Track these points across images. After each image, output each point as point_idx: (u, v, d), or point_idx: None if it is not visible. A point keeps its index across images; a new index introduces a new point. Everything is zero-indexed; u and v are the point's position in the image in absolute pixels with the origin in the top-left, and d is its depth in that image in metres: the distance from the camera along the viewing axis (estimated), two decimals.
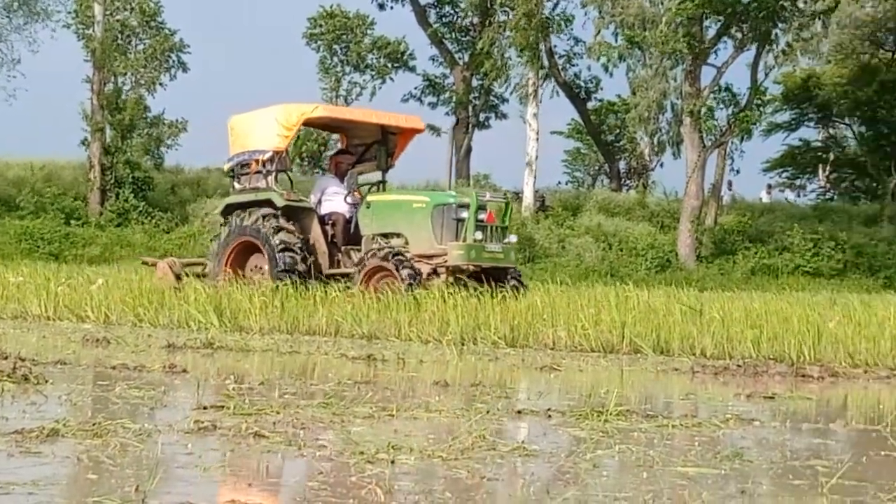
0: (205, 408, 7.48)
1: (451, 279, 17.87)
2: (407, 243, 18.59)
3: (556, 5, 47.67)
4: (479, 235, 18.23)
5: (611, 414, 7.77)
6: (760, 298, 19.31)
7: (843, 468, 6.03)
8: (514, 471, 5.84)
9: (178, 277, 19.51)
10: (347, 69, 58.06)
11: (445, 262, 18.20)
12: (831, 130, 63.57)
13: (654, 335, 14.01)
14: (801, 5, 46.64)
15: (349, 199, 19.72)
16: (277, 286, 17.68)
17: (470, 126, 51.02)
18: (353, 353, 12.52)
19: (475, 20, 49.91)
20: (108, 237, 41.04)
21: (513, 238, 19.14)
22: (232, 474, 5.43)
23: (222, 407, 7.49)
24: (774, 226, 47.50)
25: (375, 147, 20.89)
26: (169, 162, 51.28)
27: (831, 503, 5.30)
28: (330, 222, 19.69)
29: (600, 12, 60.20)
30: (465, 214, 18.31)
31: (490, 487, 5.40)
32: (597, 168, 70.59)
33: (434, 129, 53.99)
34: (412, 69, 56.89)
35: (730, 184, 54.43)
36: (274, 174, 19.73)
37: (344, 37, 57.59)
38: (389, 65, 57.40)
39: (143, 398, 8.08)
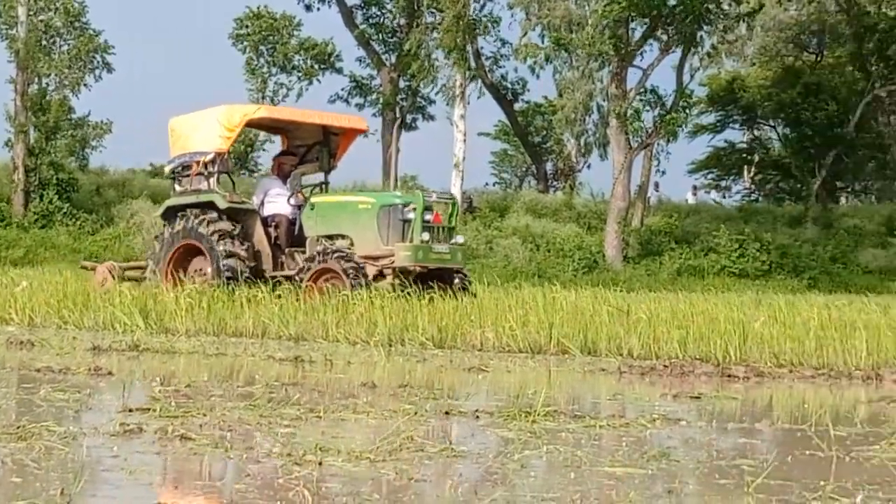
0: (130, 410, 7.44)
1: (396, 280, 17.76)
2: (352, 244, 18.42)
3: (482, 7, 47.74)
4: (426, 236, 18.13)
5: (538, 414, 7.79)
6: (687, 299, 19.40)
7: (769, 467, 6.07)
8: (443, 472, 5.84)
9: (120, 281, 19.29)
10: (274, 70, 57.85)
11: (392, 263, 18.07)
12: (756, 132, 64.04)
13: (582, 336, 14.04)
14: (725, 8, 46.95)
15: (292, 201, 19.51)
16: (220, 282, 17.80)
17: (397, 127, 50.99)
18: (280, 355, 12.48)
19: (402, 22, 49.89)
20: (31, 239, 40.69)
21: (460, 239, 19.13)
22: (158, 477, 5.40)
23: (148, 409, 7.45)
24: (700, 227, 47.81)
25: (317, 148, 20.69)
26: (94, 163, 50.97)
27: (757, 502, 5.33)
28: (273, 224, 19.44)
29: (527, 14, 60.32)
30: (411, 215, 18.17)
31: (418, 489, 5.40)
32: (524, 169, 70.77)
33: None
34: (339, 70, 56.75)
35: (656, 185, 54.77)
36: (216, 176, 19.52)
37: (270, 38, 57.39)
38: (316, 66, 57.21)
39: (68, 401, 8.02)
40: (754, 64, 63.62)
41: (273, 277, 18.59)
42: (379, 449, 6.24)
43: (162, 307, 16.25)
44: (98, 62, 52.07)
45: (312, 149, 20.77)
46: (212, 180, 19.46)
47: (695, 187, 62.38)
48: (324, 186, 20.63)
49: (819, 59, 61.26)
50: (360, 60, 53.92)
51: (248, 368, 11.29)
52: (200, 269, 19.15)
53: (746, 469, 6.14)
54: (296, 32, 57.66)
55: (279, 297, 17.04)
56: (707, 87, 61.28)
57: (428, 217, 18.19)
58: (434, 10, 46.09)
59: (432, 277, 18.14)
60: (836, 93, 55.88)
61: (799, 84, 56.42)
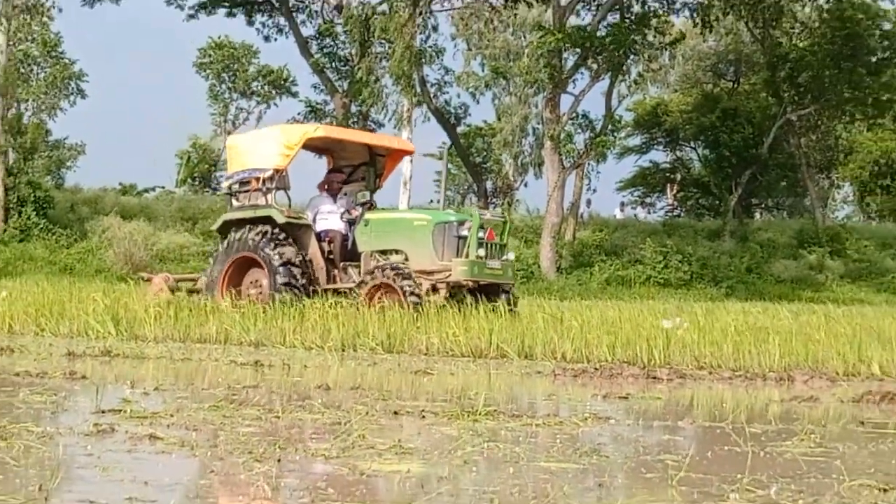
0: (103, 412, 7.40)
1: (447, 294, 17.51)
2: (407, 259, 18.08)
3: (428, 38, 47.79)
4: (481, 252, 17.82)
5: (480, 414, 7.79)
6: (615, 307, 19.49)
7: (691, 462, 6.10)
8: (392, 468, 5.84)
9: (172, 292, 19.01)
10: (235, 95, 57.80)
11: (446, 277, 17.72)
12: (678, 153, 64.41)
13: (519, 341, 14.06)
14: (650, 39, 47.22)
15: (345, 217, 19.11)
16: (275, 298, 17.40)
17: None
18: (241, 360, 12.43)
19: (353, 51, 49.86)
20: (11, 252, 40.46)
21: (511, 255, 18.80)
22: (130, 473, 5.37)
23: (120, 411, 7.41)
24: (627, 240, 48.01)
25: (363, 168, 20.30)
26: (68, 182, 50.77)
27: (680, 494, 5.35)
28: (326, 239, 19.08)
29: (469, 45, 60.54)
30: (465, 232, 17.83)
31: (369, 483, 5.39)
32: (466, 187, 70.83)
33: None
34: (295, 95, 56.83)
35: (588, 202, 54.93)
36: (274, 192, 19.14)
37: (231, 66, 57.30)
38: (274, 91, 57.22)
39: (46, 403, 7.96)
40: (676, 90, 64.09)
41: (327, 290, 18.22)
42: (333, 446, 6.23)
43: (132, 315, 16.17)
44: (73, 88, 51.84)
45: (358, 168, 20.36)
46: (269, 196, 19.08)
47: (622, 204, 62.64)
48: (370, 205, 19.74)
49: (736, 85, 61.70)
50: (315, 87, 54.02)
51: (211, 372, 11.24)
52: (256, 281, 18.73)
53: (670, 463, 6.16)
54: (255, 61, 57.74)
55: (240, 307, 16.96)
56: (633, 111, 61.65)
57: (481, 234, 17.88)
58: (383, 41, 46.11)
59: (481, 292, 17.84)
60: (752, 117, 56.27)
61: (717, 109, 56.81)
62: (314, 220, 19.24)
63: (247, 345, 14.95)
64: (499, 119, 62.28)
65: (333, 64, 52.48)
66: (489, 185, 60.24)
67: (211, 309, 16.61)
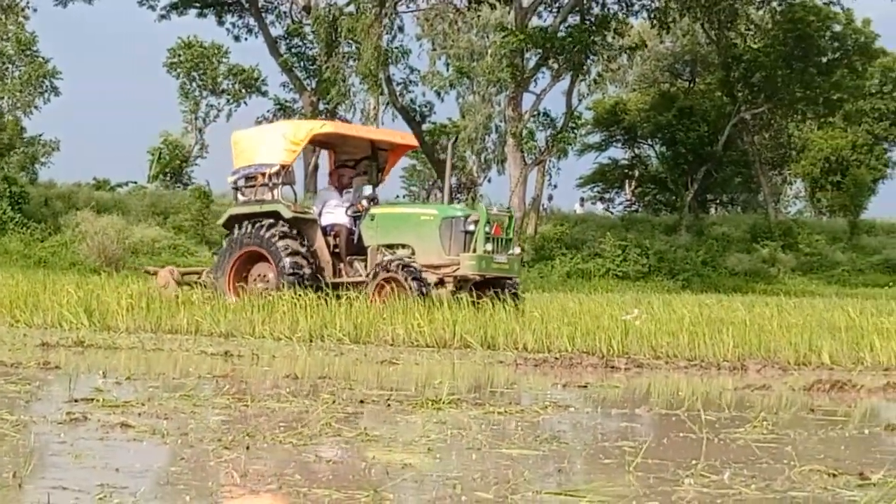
0: (76, 401, 7.35)
1: (454, 288, 17.33)
2: (413, 254, 17.85)
3: (394, 38, 47.76)
4: (489, 247, 17.57)
5: (443, 402, 7.79)
6: (575, 299, 19.52)
7: (647, 448, 6.11)
8: (358, 454, 5.83)
9: (179, 285, 18.74)
10: (205, 94, 57.65)
11: (453, 272, 17.51)
12: (636, 150, 64.58)
13: (482, 332, 14.06)
14: (609, 40, 47.34)
15: (350, 212, 18.82)
16: (283, 289, 17.17)
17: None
18: (211, 350, 12.38)
19: (321, 51, 49.76)
20: None
21: (517, 249, 18.58)
22: (102, 461, 5.34)
23: (92, 400, 7.37)
24: (587, 234, 48.10)
25: (366, 162, 19.94)
26: (43, 177, 50.51)
27: (637, 479, 5.36)
28: (332, 233, 18.76)
29: (434, 45, 60.54)
30: (472, 227, 17.60)
31: (335, 469, 5.38)
32: (430, 183, 70.82)
33: None
34: (264, 94, 56.71)
35: (549, 197, 55.02)
36: (280, 187, 18.84)
37: (201, 65, 57.13)
38: (244, 90, 57.08)
39: (20, 392, 7.91)
40: (634, 90, 64.30)
41: (333, 284, 17.99)
42: (300, 434, 6.21)
43: (105, 307, 16.09)
44: (47, 86, 51.56)
45: (360, 163, 19.99)
46: (276, 191, 18.75)
47: (582, 199, 62.82)
48: (374, 200, 19.38)
49: (692, 85, 61.91)
50: (284, 85, 53.96)
51: (182, 362, 11.20)
52: (262, 275, 18.47)
53: (627, 450, 6.17)
54: (224, 60, 57.62)
55: (210, 298, 16.90)
56: (593, 110, 61.79)
57: (488, 229, 17.64)
58: (350, 41, 46.05)
59: (487, 285, 17.73)
60: (707, 115, 56.46)
61: (674, 108, 56.99)
62: (320, 214, 18.99)
63: (217, 335, 14.87)
64: (463, 117, 62.30)
65: (302, 63, 52.42)
66: (453, 180, 60.24)
67: (182, 300, 16.54)
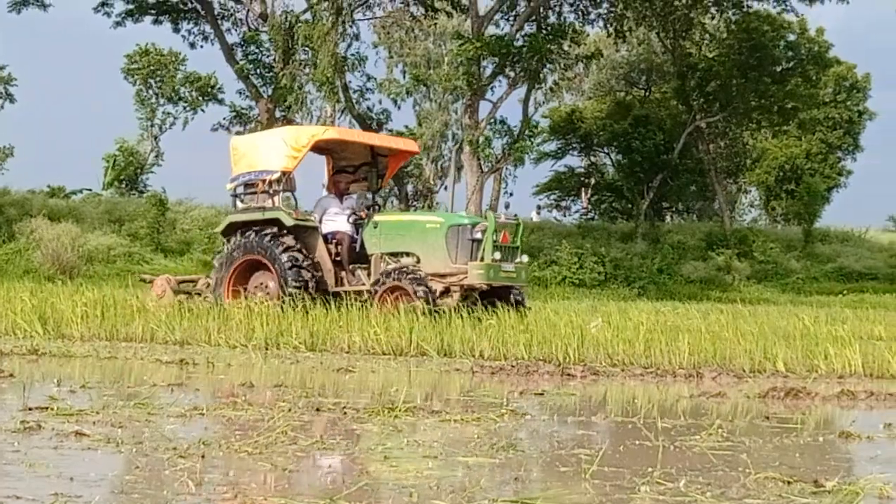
0: (30, 409, 7.30)
1: (460, 298, 17.04)
2: (418, 262, 17.52)
3: (350, 46, 47.75)
4: (497, 256, 17.25)
5: (400, 410, 7.78)
6: (531, 306, 19.49)
7: (603, 456, 6.12)
8: (314, 463, 5.81)
9: (175, 294, 18.40)
10: (162, 101, 57.42)
11: (460, 281, 17.20)
12: (592, 158, 64.69)
13: (439, 339, 14.06)
14: (566, 48, 47.48)
15: (351, 219, 18.47)
16: (286, 301, 16.74)
17: None
18: (166, 358, 12.32)
19: (278, 58, 49.67)
20: None
21: (524, 258, 18.13)
22: (56, 469, 5.31)
23: (47, 408, 7.32)
24: (544, 242, 48.14)
25: (365, 168, 19.52)
26: None
27: (593, 487, 5.37)
28: (334, 241, 18.37)
29: (390, 53, 60.55)
30: (479, 235, 17.31)
31: (292, 478, 5.36)
32: (387, 191, 70.79)
33: None
34: (221, 101, 56.48)
35: (506, 205, 55.07)
36: (280, 194, 18.46)
37: (158, 72, 56.94)
38: (200, 97, 56.90)
39: None
40: (591, 98, 64.50)
41: (336, 293, 17.67)
42: (256, 442, 6.19)
43: (59, 315, 15.97)
44: (1, 93, 51.24)
45: (359, 168, 19.62)
46: (276, 198, 18.34)
47: (539, 207, 62.88)
48: (374, 206, 19.20)
49: (647, 94, 62.13)
50: (240, 93, 53.69)
51: (137, 370, 11.14)
52: (262, 284, 18.06)
53: (584, 457, 6.18)
54: (181, 67, 57.33)
55: (166, 306, 16.80)
56: (549, 118, 61.91)
57: (496, 237, 17.34)
58: (307, 49, 45.99)
59: (493, 294, 17.37)
60: (662, 124, 56.66)
61: (630, 116, 57.17)
62: (321, 222, 18.59)
63: (172, 343, 14.79)
64: (419, 124, 62.35)
65: (258, 70, 52.24)
66: (410, 188, 60.23)
67: (137, 308, 16.45)
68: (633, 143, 55.91)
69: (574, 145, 62.68)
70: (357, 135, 21.35)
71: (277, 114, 50.71)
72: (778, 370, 12.44)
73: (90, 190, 50.38)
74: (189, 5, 52.94)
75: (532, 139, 54.62)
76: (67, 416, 7.05)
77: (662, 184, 56.41)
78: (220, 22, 52.47)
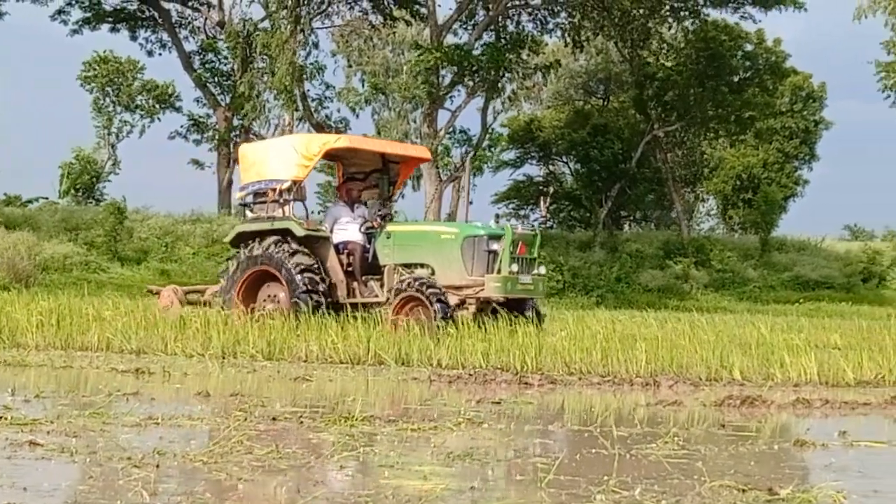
0: None
1: (477, 310, 16.64)
2: (433, 273, 17.00)
3: (309, 54, 47.70)
4: (514, 268, 16.70)
5: (356, 419, 7.77)
6: (489, 315, 19.43)
7: (560, 464, 6.13)
8: (269, 472, 5.79)
9: (182, 305, 18.03)
10: (119, 109, 57.19)
11: (476, 293, 16.73)
12: (551, 167, 64.85)
13: (396, 348, 14.03)
14: (524, 57, 47.62)
15: (363, 229, 17.91)
16: (297, 311, 16.43)
17: (231, 161, 50.65)
18: (122, 367, 12.26)
19: (235, 66, 49.58)
20: None
21: (542, 269, 17.63)
22: (9, 479, 5.27)
23: (1, 418, 7.28)
24: None
25: (376, 175, 18.94)
26: None
27: (549, 496, 5.38)
28: (346, 251, 17.83)
29: (349, 61, 60.49)
30: (495, 246, 16.84)
31: (247, 489, 5.35)
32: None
33: (199, 164, 53.56)
34: (178, 109, 56.31)
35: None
36: (291, 203, 17.98)
37: (116, 80, 56.70)
38: (158, 105, 56.71)
39: None
40: (549, 107, 64.62)
41: (347, 305, 17.24)
42: (212, 452, 6.17)
43: (14, 324, 15.86)
44: None
45: (370, 175, 19.02)
46: (287, 208, 17.85)
47: (497, 216, 62.84)
48: (388, 216, 18.35)
49: (605, 103, 62.33)
50: (198, 101, 53.57)
51: (92, 380, 11.07)
52: (273, 296, 17.56)
53: (540, 466, 6.19)
54: (139, 75, 57.12)
55: (124, 314, 16.71)
56: (508, 127, 62.02)
57: (513, 249, 16.86)
58: (265, 57, 45.92)
59: (509, 306, 16.87)
60: (621, 133, 56.86)
61: (588, 125, 57.35)
62: (332, 231, 18.09)
63: (128, 352, 14.70)
64: (378, 133, 62.28)
65: (216, 78, 52.17)
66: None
67: (93, 317, 16.35)
68: (591, 152, 56.07)
69: (532, 154, 62.83)
70: (368, 142, 20.98)
71: (235, 122, 50.63)
72: (734, 378, 12.49)
73: (46, 198, 50.08)
74: (146, 13, 52.80)
75: (491, 148, 54.65)
76: (21, 425, 7.01)
77: (620, 193, 56.62)
78: (177, 30, 52.35)
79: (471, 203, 59.50)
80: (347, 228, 18.06)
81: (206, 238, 41.67)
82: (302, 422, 7.83)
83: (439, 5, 47.27)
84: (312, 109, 47.91)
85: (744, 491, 5.53)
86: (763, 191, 59.37)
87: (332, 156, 19.01)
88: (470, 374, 12.33)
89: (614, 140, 56.26)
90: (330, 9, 48.76)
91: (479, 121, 48.86)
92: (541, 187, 64.76)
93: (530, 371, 12.74)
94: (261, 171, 18.29)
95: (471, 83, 46.77)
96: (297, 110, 45.46)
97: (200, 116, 53.86)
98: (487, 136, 50.08)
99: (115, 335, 15.13)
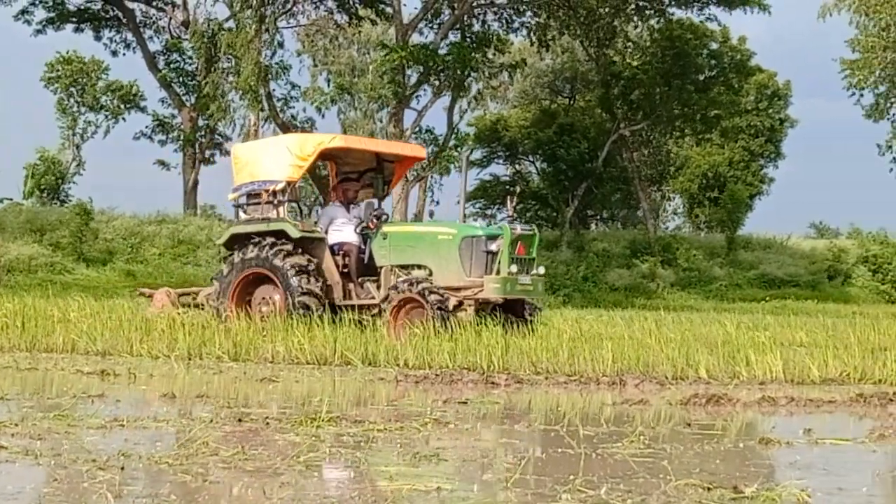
0: None
1: (475, 311, 16.31)
2: (431, 275, 16.65)
3: (274, 54, 47.60)
4: (514, 268, 16.36)
5: (323, 420, 7.77)
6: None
7: (526, 464, 6.14)
8: (235, 474, 5.79)
9: (175, 307, 17.65)
10: (83, 110, 56.92)
11: (475, 294, 16.37)
12: (517, 167, 64.95)
13: (363, 348, 14.01)
14: (490, 57, 47.66)
15: (359, 230, 17.58)
16: (293, 314, 16.13)
17: (196, 162, 50.50)
18: (87, 369, 12.22)
19: (200, 66, 49.43)
20: None
21: (541, 270, 17.29)
22: None
23: None
24: None
25: (370, 174, 18.70)
26: None
27: (516, 496, 5.39)
28: (341, 253, 17.49)
29: (314, 61, 60.41)
30: (493, 247, 16.50)
31: (213, 490, 5.34)
32: (313, 199, 70.53)
33: (164, 164, 53.37)
34: (143, 110, 56.05)
35: (431, 213, 55.05)
36: (285, 204, 17.75)
37: (80, 80, 56.45)
38: (122, 106, 56.47)
39: None
40: (515, 107, 64.71)
41: (344, 307, 16.94)
42: (177, 454, 6.16)
43: None
44: None
45: (364, 175, 18.75)
46: (281, 209, 17.57)
47: (464, 216, 62.91)
48: (384, 216, 18.02)
49: (572, 102, 62.44)
50: (163, 101, 53.36)
51: (58, 382, 11.04)
52: (267, 298, 17.20)
53: (507, 466, 6.20)
54: (103, 75, 56.86)
55: (89, 316, 16.64)
56: (474, 126, 62.03)
57: (512, 249, 16.54)
58: (230, 56, 45.81)
59: (506, 308, 16.72)
60: (587, 132, 56.95)
61: (554, 124, 57.42)
62: (326, 232, 17.75)
63: (93, 354, 14.64)
64: (344, 133, 62.25)
65: (181, 79, 51.99)
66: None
67: (58, 319, 16.28)
68: (557, 151, 56.15)
69: (499, 154, 62.89)
70: (363, 142, 20.66)
71: (200, 122, 50.50)
72: (700, 377, 12.53)
73: (11, 199, 49.82)
74: (111, 13, 52.58)
75: (458, 148, 54.68)
76: None
77: (587, 192, 56.72)
78: (142, 30, 52.15)
79: (437, 203, 59.60)
80: (342, 229, 17.81)
81: (171, 239, 41.52)
82: (268, 423, 7.82)
83: (405, 4, 47.30)
84: (278, 109, 47.83)
85: (709, 489, 5.56)
86: (729, 189, 59.60)
87: (326, 155, 18.70)
88: (437, 375, 12.33)
89: (580, 139, 56.35)
90: (295, 8, 48.65)
91: (446, 120, 48.88)
92: (507, 187, 64.82)
93: (497, 371, 12.74)
94: (254, 172, 18.03)
95: (437, 83, 46.77)
96: (262, 110, 45.35)
97: (165, 117, 53.67)
98: (454, 135, 50.05)
99: (80, 337, 15.07)
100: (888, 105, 58.42)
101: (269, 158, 18.01)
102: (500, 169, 64.71)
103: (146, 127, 54.35)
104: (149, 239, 41.60)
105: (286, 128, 47.12)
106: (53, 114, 57.33)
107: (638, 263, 49.50)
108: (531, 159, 62.51)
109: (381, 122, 50.81)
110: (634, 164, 56.44)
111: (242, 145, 19.15)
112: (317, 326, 15.10)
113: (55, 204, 51.04)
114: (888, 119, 59.59)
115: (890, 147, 61.53)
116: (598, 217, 67.83)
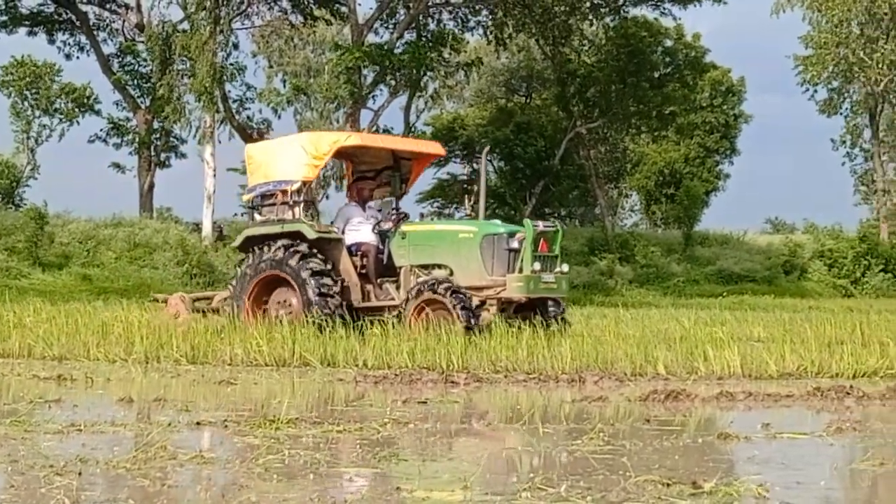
0: None
1: (498, 311, 16.08)
2: (452, 274, 16.35)
3: (229, 55, 47.46)
4: (537, 266, 16.04)
5: (282, 422, 7.75)
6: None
7: (486, 462, 6.14)
8: (194, 478, 5.76)
9: (190, 312, 17.45)
10: (38, 113, 56.65)
11: (497, 293, 16.10)
12: (474, 165, 65.02)
13: (322, 349, 13.98)
14: (446, 56, 47.70)
15: (377, 229, 17.29)
16: (311, 318, 15.76)
17: (152, 164, 50.31)
18: (44, 374, 12.14)
19: (155, 69, 49.22)
20: None
21: (565, 267, 16.80)
22: None
23: None
24: None
25: (387, 173, 18.31)
26: None
27: (475, 494, 5.38)
28: (359, 253, 17.22)
29: (270, 62, 60.29)
30: (515, 244, 16.16)
31: (171, 494, 5.32)
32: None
33: (119, 167, 53.12)
34: (98, 113, 55.87)
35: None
36: (301, 205, 17.33)
37: (34, 83, 56.17)
38: (77, 109, 56.24)
39: None
40: (472, 105, 64.85)
41: (363, 309, 16.72)
42: (135, 458, 6.13)
43: None
44: None
45: (380, 173, 18.39)
46: (297, 209, 17.19)
47: (422, 214, 62.83)
48: (403, 215, 17.61)
49: (528, 100, 62.61)
50: (118, 104, 53.13)
51: (14, 387, 10.96)
52: (285, 301, 16.87)
53: (466, 465, 6.19)
54: (57, 78, 56.63)
55: (46, 320, 16.54)
56: (431, 125, 62.08)
57: (534, 246, 16.20)
58: (185, 58, 45.63)
59: (530, 307, 16.45)
60: (544, 130, 57.10)
61: (511, 123, 57.57)
62: (343, 233, 17.42)
63: (50, 359, 14.53)
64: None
65: (135, 81, 51.78)
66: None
67: (14, 323, 16.17)
68: (514, 149, 56.27)
69: (456, 152, 62.93)
70: (380, 139, 20.28)
71: (156, 125, 50.32)
72: (659, 373, 12.57)
73: None
74: (64, 16, 52.28)
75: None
76: None
77: (544, 190, 56.86)
78: (95, 32, 51.89)
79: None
80: (360, 229, 17.53)
81: (128, 242, 41.26)
82: (227, 426, 7.79)
83: (360, 4, 47.39)
84: (234, 111, 47.70)
85: (668, 485, 5.57)
86: (685, 186, 59.86)
87: (341, 154, 18.41)
88: (396, 375, 12.31)
89: (537, 137, 56.50)
90: (249, 9, 48.55)
91: (403, 120, 48.89)
92: (465, 185, 64.91)
93: (456, 370, 12.74)
94: (268, 173, 17.68)
95: (393, 82, 46.79)
96: (218, 112, 45.19)
97: (120, 119, 53.47)
98: (411, 134, 50.05)
99: (36, 341, 14.96)
100: (841, 100, 58.87)
101: (284, 158, 17.62)
102: (457, 168, 64.82)
103: (101, 130, 54.14)
104: (105, 242, 41.31)
105: (242, 129, 47.01)
106: (7, 117, 57.11)
107: (596, 260, 49.61)
108: (488, 158, 62.61)
109: (337, 122, 50.69)
110: (591, 161, 56.60)
111: (256, 145, 18.84)
112: (330, 330, 14.96)
113: (10, 208, 50.77)
114: (841, 114, 60.05)
115: (843, 142, 61.92)
116: (556, 215, 67.93)
